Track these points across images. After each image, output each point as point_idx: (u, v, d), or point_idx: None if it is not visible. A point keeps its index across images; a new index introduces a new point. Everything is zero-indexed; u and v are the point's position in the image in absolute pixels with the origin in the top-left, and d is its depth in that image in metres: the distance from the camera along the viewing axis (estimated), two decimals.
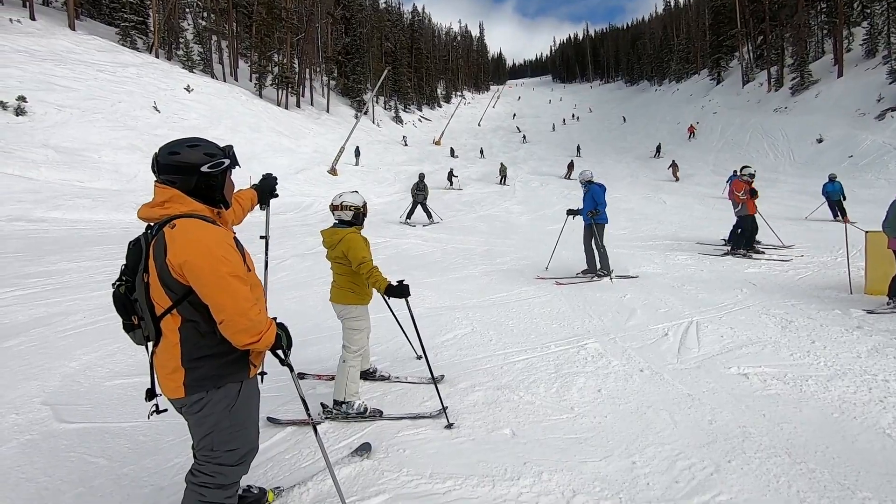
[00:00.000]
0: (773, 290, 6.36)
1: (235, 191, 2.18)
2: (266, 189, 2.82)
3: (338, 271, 3.40)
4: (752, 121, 33.43)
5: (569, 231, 7.59)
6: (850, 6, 35.28)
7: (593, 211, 7.50)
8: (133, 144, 18.00)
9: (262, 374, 2.05)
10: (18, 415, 3.28)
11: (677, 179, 24.97)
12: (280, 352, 1.99)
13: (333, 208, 3.35)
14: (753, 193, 8.90)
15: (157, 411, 1.92)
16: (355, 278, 3.32)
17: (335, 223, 3.40)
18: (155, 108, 21.55)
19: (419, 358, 4.20)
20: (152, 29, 31.25)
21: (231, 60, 37.69)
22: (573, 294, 6.51)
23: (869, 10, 33.44)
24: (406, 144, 39.82)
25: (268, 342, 1.83)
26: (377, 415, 3.32)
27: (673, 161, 26.50)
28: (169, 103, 22.84)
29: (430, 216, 15.16)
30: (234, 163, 1.92)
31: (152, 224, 1.80)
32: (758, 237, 9.28)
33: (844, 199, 13.65)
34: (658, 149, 33.91)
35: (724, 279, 7.06)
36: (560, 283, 6.91)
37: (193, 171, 1.78)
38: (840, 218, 13.06)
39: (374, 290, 3.31)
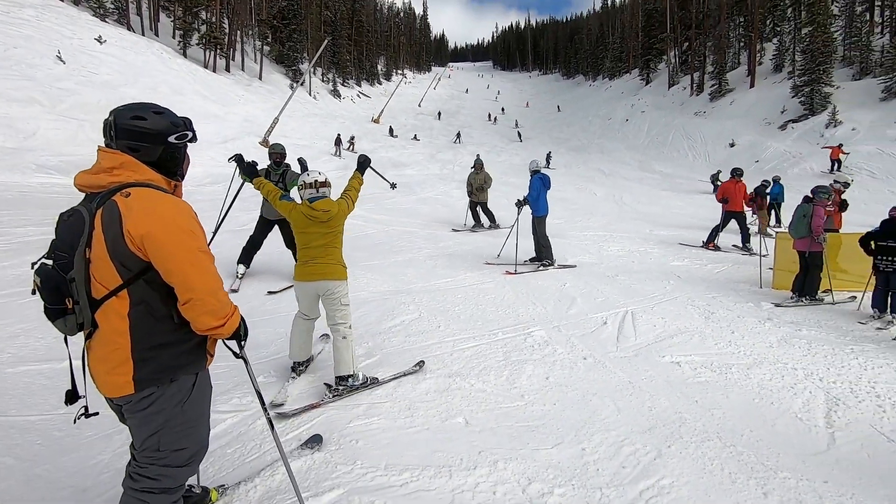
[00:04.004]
0: (696, 283, 6.87)
1: None
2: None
3: (332, 244, 3.47)
4: (675, 121, 35.70)
5: (523, 218, 7.77)
6: (763, 23, 38.39)
7: (520, 201, 7.70)
8: (31, 97, 15.90)
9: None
10: None
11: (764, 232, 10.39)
12: (232, 343, 1.84)
13: (320, 185, 3.47)
14: (843, 206, 7.86)
15: (87, 415, 1.69)
16: (340, 251, 3.53)
17: (316, 198, 3.46)
18: (59, 57, 19.11)
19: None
20: None
21: (151, 13, 34.17)
22: (517, 281, 6.64)
23: (779, 29, 36.69)
24: (349, 149, 27.76)
25: (232, 327, 1.70)
26: (375, 382, 3.51)
27: (760, 195, 11.42)
28: (76, 54, 20.33)
29: None
30: (194, 137, 1.73)
31: (94, 193, 1.57)
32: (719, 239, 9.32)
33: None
34: (714, 180, 19.83)
35: (652, 271, 7.51)
36: (510, 273, 7.00)
37: (161, 141, 1.61)
38: (775, 224, 12.56)
39: None
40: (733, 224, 9.64)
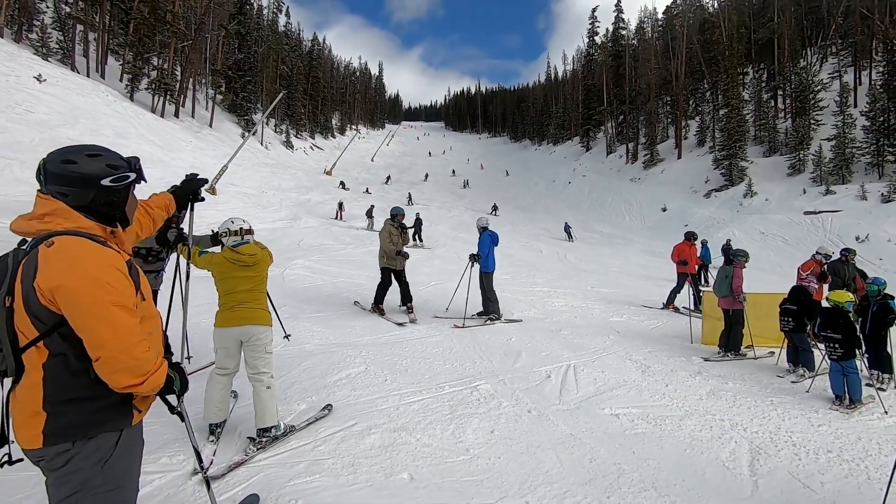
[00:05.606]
0: (634, 338, 7.21)
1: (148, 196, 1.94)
2: (188, 192, 2.44)
3: (258, 289, 3.48)
4: (613, 186, 38.35)
5: (473, 274, 7.99)
6: (687, 103, 42.93)
7: (473, 256, 7.96)
8: None
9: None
10: None
11: None
12: (171, 397, 1.76)
13: (245, 232, 3.52)
14: (822, 277, 7.42)
15: (10, 462, 1.57)
16: (265, 296, 3.57)
17: (240, 243, 3.48)
18: None
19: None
20: None
21: (99, 55, 33.56)
22: (464, 335, 6.71)
23: (700, 109, 41.11)
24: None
25: (154, 385, 1.57)
26: (292, 429, 3.49)
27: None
28: (11, 91, 19.49)
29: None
30: (140, 177, 1.72)
31: (27, 240, 1.54)
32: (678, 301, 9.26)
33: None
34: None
35: (594, 326, 7.83)
36: (458, 327, 7.07)
37: (92, 185, 1.55)
38: (703, 284, 12.93)
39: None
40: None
